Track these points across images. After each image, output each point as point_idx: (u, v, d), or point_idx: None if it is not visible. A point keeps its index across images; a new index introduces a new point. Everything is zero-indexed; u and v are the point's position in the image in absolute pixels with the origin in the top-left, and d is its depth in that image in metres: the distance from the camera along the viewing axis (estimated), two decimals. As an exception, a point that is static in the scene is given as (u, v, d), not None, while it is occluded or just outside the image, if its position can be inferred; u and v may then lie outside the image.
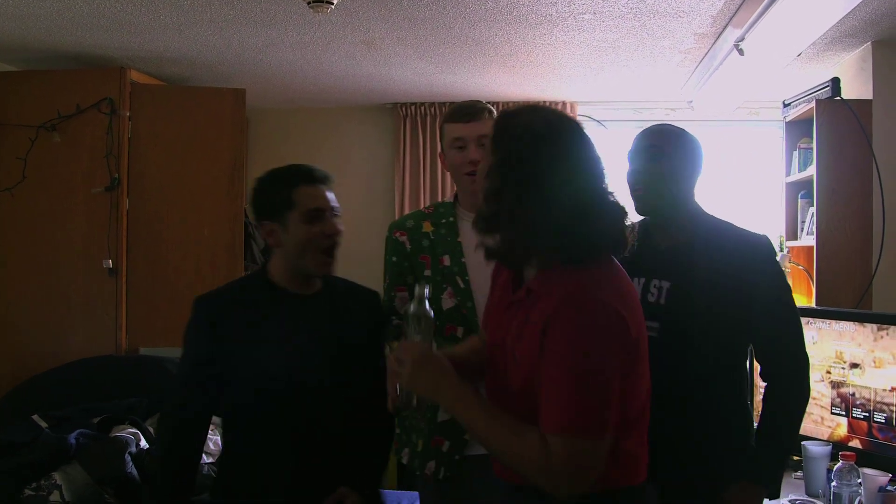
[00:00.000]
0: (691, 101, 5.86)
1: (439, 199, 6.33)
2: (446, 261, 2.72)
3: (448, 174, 6.06)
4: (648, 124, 2.63)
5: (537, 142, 1.85)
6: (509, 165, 1.84)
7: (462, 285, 2.69)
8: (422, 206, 6.30)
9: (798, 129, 4.94)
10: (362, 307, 2.66)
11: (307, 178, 2.50)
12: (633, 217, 2.25)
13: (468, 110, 2.78)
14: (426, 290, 2.06)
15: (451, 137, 2.77)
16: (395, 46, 4.78)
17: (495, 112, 2.81)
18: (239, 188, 5.02)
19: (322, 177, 2.53)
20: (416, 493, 4.46)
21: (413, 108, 6.45)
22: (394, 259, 2.81)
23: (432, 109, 6.42)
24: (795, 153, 4.95)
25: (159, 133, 5.01)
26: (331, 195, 2.53)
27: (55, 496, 3.43)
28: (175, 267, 4.92)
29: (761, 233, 2.53)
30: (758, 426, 2.46)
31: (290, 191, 2.47)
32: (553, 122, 1.89)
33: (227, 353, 2.43)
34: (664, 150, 2.47)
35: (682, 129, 2.55)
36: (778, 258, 2.57)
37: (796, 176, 4.91)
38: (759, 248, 2.48)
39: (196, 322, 2.51)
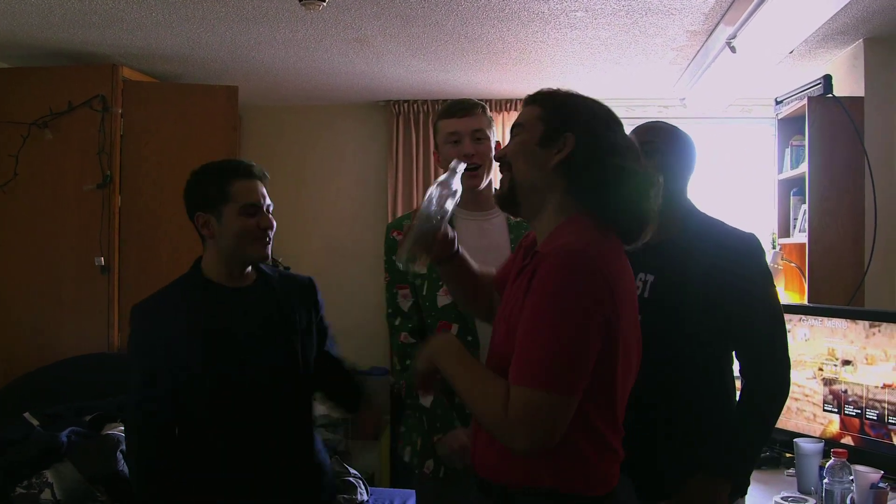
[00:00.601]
0: (684, 99, 5.86)
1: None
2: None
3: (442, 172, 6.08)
4: (641, 122, 2.63)
5: (601, 114, 1.95)
6: (585, 128, 1.90)
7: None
8: (414, 203, 6.32)
9: (790, 126, 4.95)
10: (299, 292, 2.69)
11: (244, 172, 2.54)
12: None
13: (462, 105, 2.83)
14: (461, 167, 2.08)
15: (445, 133, 2.81)
16: (387, 44, 4.78)
17: (488, 109, 2.85)
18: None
19: (259, 173, 2.58)
20: (409, 491, 4.48)
21: (406, 105, 6.44)
22: (392, 257, 2.84)
23: (425, 107, 6.41)
24: (787, 150, 4.96)
25: (152, 130, 5.00)
26: (264, 191, 2.57)
27: (46, 494, 3.42)
28: (167, 264, 4.90)
29: (749, 231, 2.53)
30: (731, 420, 2.44)
31: (225, 184, 2.50)
32: (603, 105, 1.98)
33: (175, 357, 2.42)
34: (657, 147, 2.46)
35: (675, 127, 2.56)
36: (767, 257, 2.56)
37: (788, 173, 4.91)
38: (745, 247, 2.47)
39: (139, 333, 2.50)
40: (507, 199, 2.01)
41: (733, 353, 2.55)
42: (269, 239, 2.54)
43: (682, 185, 2.53)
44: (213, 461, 2.45)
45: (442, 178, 2.08)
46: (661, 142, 2.49)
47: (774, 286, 2.55)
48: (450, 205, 2.06)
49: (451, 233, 2.15)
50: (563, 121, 1.90)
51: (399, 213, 6.38)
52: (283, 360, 2.53)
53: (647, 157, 2.43)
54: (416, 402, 2.72)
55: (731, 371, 2.57)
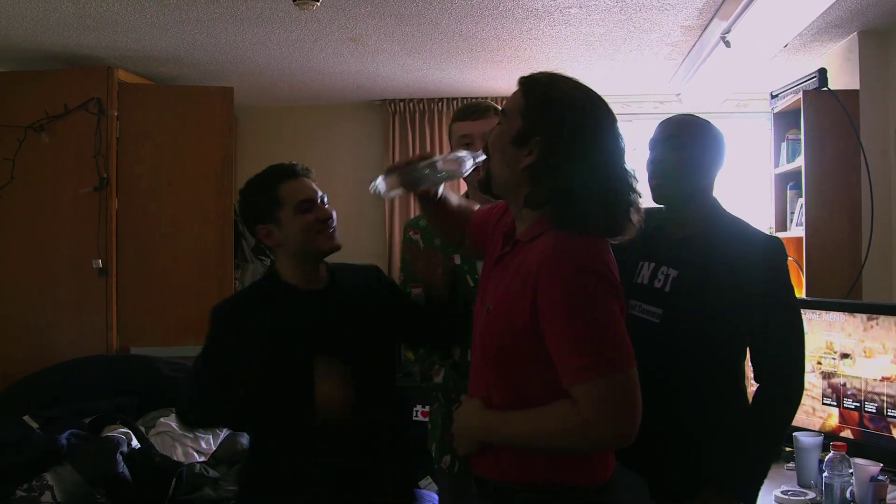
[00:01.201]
0: (679, 94, 5.87)
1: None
2: (457, 259, 2.77)
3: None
4: (638, 118, 2.62)
5: (585, 112, 1.87)
6: (557, 133, 1.84)
7: (472, 284, 2.72)
8: (411, 203, 6.33)
9: (786, 120, 4.95)
10: (374, 282, 2.71)
11: (289, 173, 2.53)
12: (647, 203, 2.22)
13: (474, 108, 2.86)
14: (480, 159, 2.08)
15: (458, 135, 2.85)
16: (382, 43, 4.78)
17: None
18: (228, 186, 5.02)
19: (303, 170, 2.55)
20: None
21: (402, 104, 6.45)
22: (408, 257, 2.87)
23: (421, 105, 6.42)
24: (784, 144, 4.95)
25: (148, 132, 5.01)
26: (314, 186, 2.55)
27: (47, 497, 3.42)
28: (165, 266, 4.92)
29: (774, 236, 2.48)
30: (741, 432, 2.37)
31: (273, 189, 2.48)
32: (594, 97, 1.91)
33: (254, 357, 2.40)
34: (684, 141, 2.43)
35: (707, 122, 2.49)
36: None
37: (785, 167, 4.91)
38: (770, 251, 2.41)
39: (216, 333, 2.47)
40: (486, 186, 2.03)
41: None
42: (333, 228, 2.52)
43: (707, 181, 2.47)
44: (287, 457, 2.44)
45: (462, 153, 2.10)
46: (689, 136, 2.44)
47: (794, 298, 2.47)
48: (448, 171, 2.09)
49: (440, 191, 2.20)
50: (538, 122, 1.86)
51: (395, 212, 6.38)
52: (370, 357, 2.54)
53: (673, 151, 2.42)
54: (431, 383, 2.75)
55: (744, 372, 2.54)
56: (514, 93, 1.95)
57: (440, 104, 6.39)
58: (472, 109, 2.86)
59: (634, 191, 1.91)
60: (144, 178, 4.98)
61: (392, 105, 6.46)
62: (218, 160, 5.04)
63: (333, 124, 6.67)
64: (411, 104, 6.43)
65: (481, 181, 2.05)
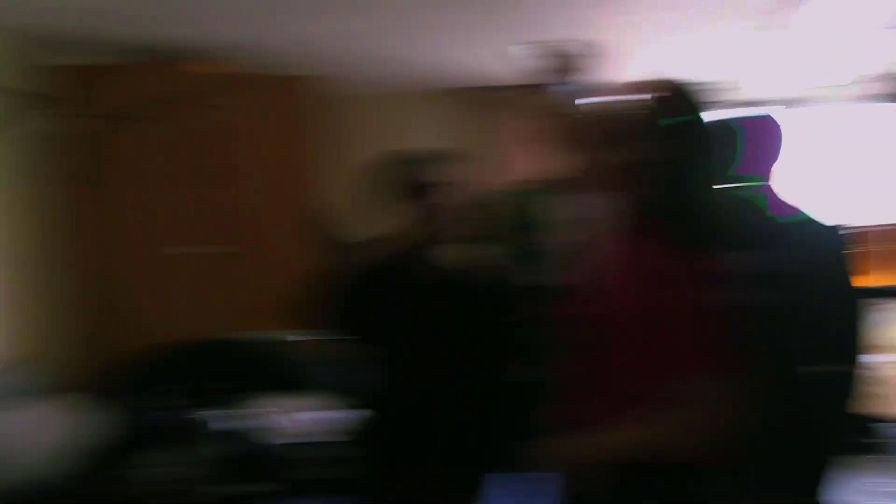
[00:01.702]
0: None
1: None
2: None
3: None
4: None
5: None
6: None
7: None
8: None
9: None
10: None
11: None
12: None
13: None
14: None
15: None
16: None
17: None
18: (308, 175, 5.16)
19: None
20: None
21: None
22: None
23: (506, 92, 6.19)
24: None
25: (228, 123, 5.07)
26: None
27: (160, 473, 3.54)
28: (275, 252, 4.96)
29: (833, 224, 2.46)
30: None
31: None
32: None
33: None
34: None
35: (767, 115, 2.51)
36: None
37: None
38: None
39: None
40: None
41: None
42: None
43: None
44: None
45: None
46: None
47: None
48: None
49: None
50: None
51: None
52: None
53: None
54: None
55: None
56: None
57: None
58: None
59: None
60: (228, 169, 5.05)
61: (470, 93, 6.31)
62: (296, 150, 5.14)
63: (420, 113, 6.52)
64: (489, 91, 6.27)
65: None
